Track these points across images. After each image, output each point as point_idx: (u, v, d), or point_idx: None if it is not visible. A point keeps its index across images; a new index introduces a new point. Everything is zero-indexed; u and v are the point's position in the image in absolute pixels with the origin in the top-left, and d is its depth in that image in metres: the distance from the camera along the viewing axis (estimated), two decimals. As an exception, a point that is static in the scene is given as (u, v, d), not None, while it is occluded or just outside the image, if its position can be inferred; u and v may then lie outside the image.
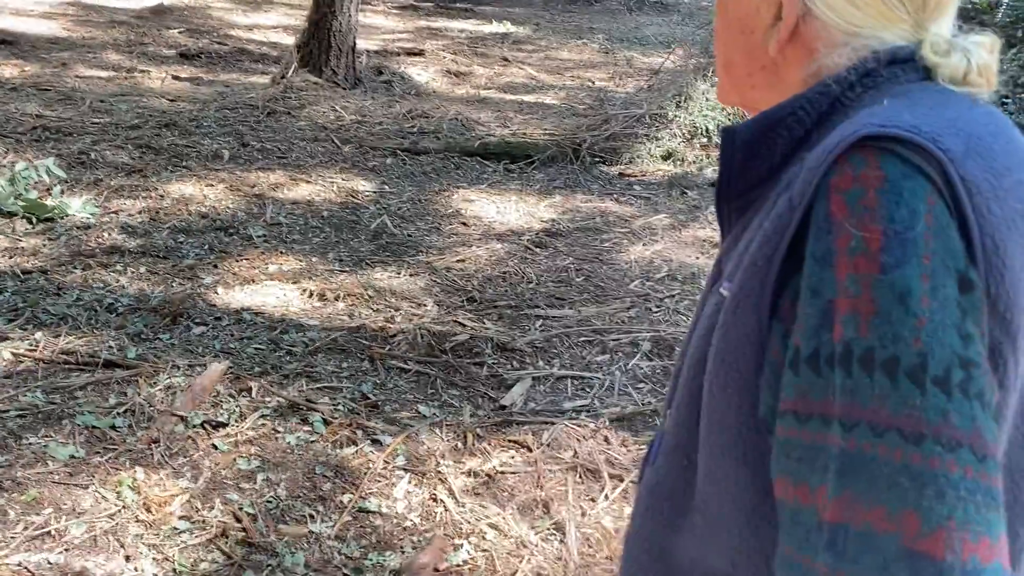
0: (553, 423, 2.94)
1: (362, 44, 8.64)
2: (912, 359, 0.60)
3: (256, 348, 3.28)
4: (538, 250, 4.53)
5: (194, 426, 2.74)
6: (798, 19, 0.77)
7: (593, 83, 9.16)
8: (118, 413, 2.76)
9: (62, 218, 4.29)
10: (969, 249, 0.63)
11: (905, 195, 0.63)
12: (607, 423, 2.96)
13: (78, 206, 4.40)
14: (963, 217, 0.64)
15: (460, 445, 2.80)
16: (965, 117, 0.70)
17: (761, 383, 0.70)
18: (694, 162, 6.05)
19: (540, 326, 3.65)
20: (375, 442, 2.78)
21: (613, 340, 3.54)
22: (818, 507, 0.62)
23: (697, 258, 4.53)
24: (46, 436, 2.63)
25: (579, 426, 2.93)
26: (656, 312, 3.84)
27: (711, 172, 5.94)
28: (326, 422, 2.83)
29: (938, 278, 0.62)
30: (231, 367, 3.07)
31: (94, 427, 2.68)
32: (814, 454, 0.63)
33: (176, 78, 7.85)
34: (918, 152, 0.65)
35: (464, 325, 3.59)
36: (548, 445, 2.82)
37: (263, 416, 2.84)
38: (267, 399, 2.93)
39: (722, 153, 0.80)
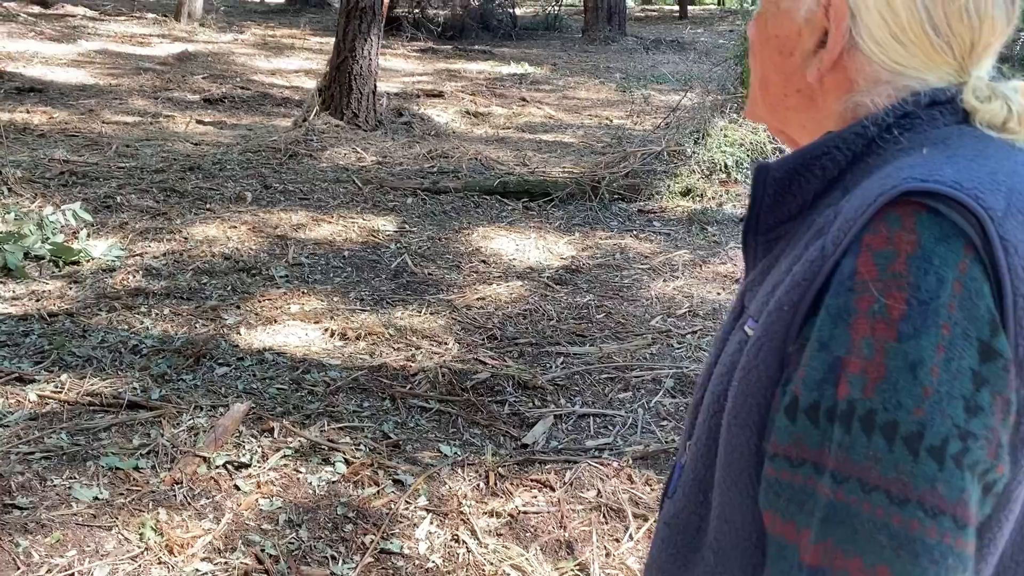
0: (576, 462, 2.91)
1: (382, 87, 8.77)
2: (911, 426, 0.61)
3: (278, 388, 3.29)
4: (558, 287, 4.53)
5: (216, 467, 2.74)
6: (842, 51, 0.76)
7: (611, 121, 9.22)
8: (141, 454, 2.77)
9: (88, 261, 4.35)
10: (1001, 312, 0.63)
11: (935, 263, 0.63)
12: (630, 461, 2.92)
13: (103, 249, 4.46)
14: (999, 278, 0.63)
15: (482, 485, 2.78)
16: (1006, 169, 0.69)
17: None
18: (713, 198, 6.05)
19: (561, 363, 3.64)
20: (397, 482, 2.76)
21: (635, 377, 3.52)
22: (800, 547, 0.65)
23: (718, 294, 4.51)
24: (70, 478, 2.64)
25: (602, 465, 2.90)
26: (678, 349, 3.82)
27: (731, 208, 5.93)
28: (347, 462, 2.83)
29: (955, 349, 0.62)
30: (253, 407, 3.08)
31: (118, 468, 2.69)
32: (803, 497, 0.65)
33: (200, 122, 7.99)
34: (958, 210, 0.64)
35: (485, 363, 3.58)
36: (571, 484, 2.79)
37: (285, 457, 2.83)
38: (289, 439, 2.93)
39: (754, 189, 0.80)
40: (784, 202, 0.78)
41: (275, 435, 2.94)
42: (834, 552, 0.62)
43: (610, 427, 3.19)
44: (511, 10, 17.88)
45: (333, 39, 8.40)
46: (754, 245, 0.83)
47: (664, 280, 4.69)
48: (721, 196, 6.07)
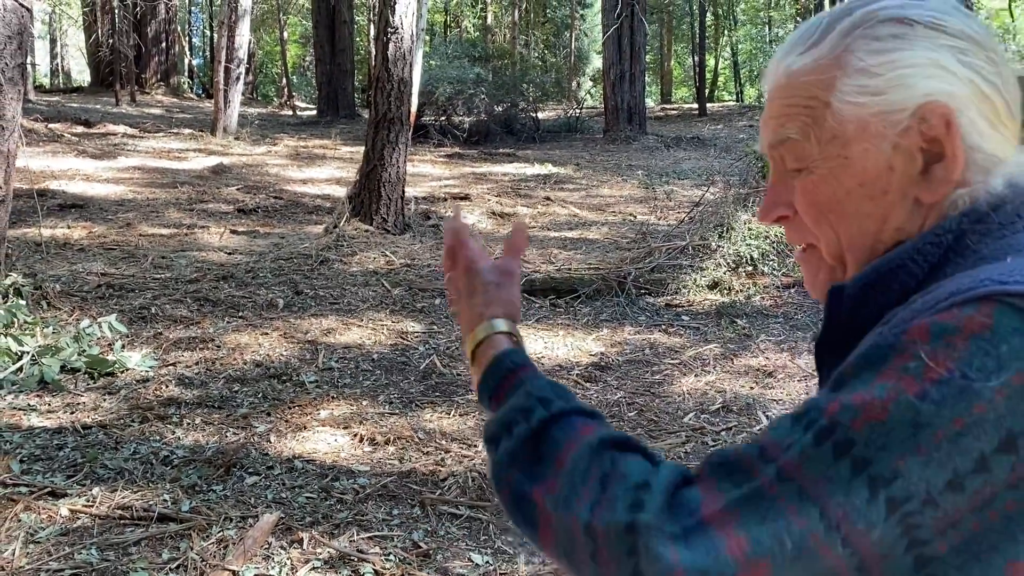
0: (611, 568, 2.82)
1: (410, 191, 8.98)
2: (882, 470, 0.60)
3: (307, 497, 3.26)
4: (588, 384, 4.49)
5: (245, 581, 2.69)
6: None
7: (635, 217, 9.33)
8: (171, 569, 2.73)
9: (122, 372, 4.41)
10: None
11: (1002, 350, 0.60)
12: (668, 566, 2.83)
13: (137, 360, 4.52)
14: None
15: (516, 594, 2.70)
16: None
17: None
18: (741, 290, 6.04)
19: (593, 464, 3.57)
20: (428, 593, 2.69)
21: (669, 477, 3.44)
22: (705, 500, 0.64)
23: (751, 388, 4.44)
24: (98, 595, 2.61)
25: (639, 570, 2.81)
26: (713, 446, 3.74)
27: (759, 300, 5.91)
28: (377, 574, 2.77)
29: (977, 429, 0.59)
30: (283, 517, 3.05)
31: (146, 584, 2.66)
32: (739, 471, 0.65)
33: (234, 232, 8.20)
34: None
35: (516, 466, 3.53)
36: (607, 592, 2.70)
37: (314, 569, 2.78)
38: (318, 550, 2.88)
39: (829, 309, 0.77)
40: (859, 316, 0.75)
41: (304, 546, 2.90)
42: (729, 521, 0.62)
43: (646, 530, 3.10)
44: (534, 114, 18.40)
45: (363, 148, 8.68)
46: (827, 361, 0.79)
47: (695, 375, 4.64)
48: (749, 289, 6.06)
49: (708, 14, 27.90)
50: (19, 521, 2.98)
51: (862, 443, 0.60)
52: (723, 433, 3.87)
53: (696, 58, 25.12)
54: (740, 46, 31.20)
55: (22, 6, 4.81)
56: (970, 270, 0.68)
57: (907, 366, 0.61)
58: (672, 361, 4.87)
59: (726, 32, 31.81)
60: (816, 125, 0.76)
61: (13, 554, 2.78)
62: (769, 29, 30.54)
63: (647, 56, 20.83)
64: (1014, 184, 0.74)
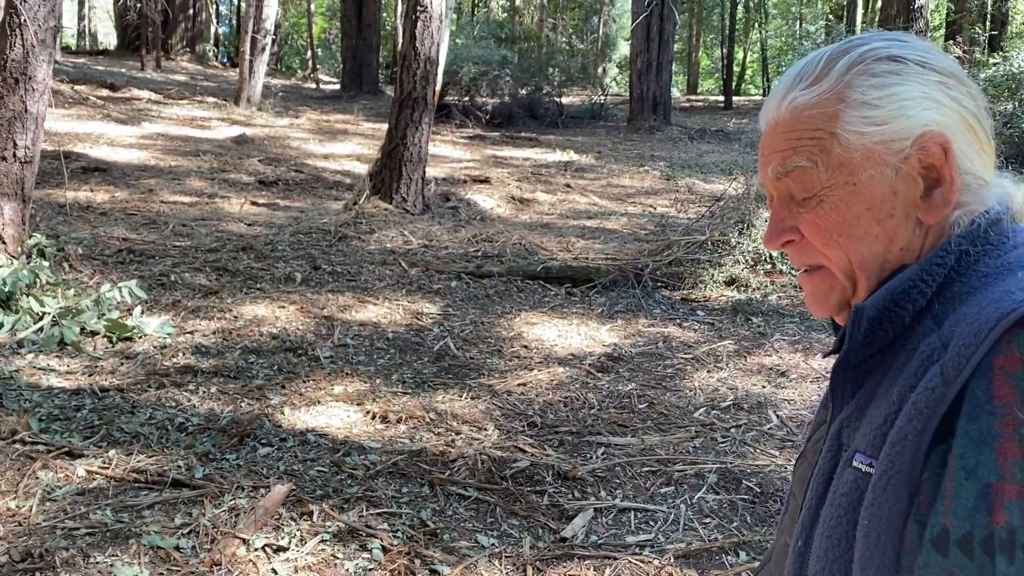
0: (616, 558, 2.85)
1: (431, 172, 8.99)
2: None
3: (319, 470, 3.30)
4: (600, 375, 4.51)
5: (255, 549, 2.74)
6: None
7: (655, 209, 9.31)
8: (183, 534, 2.78)
9: (140, 338, 4.47)
10: None
11: None
12: (672, 560, 2.86)
13: (156, 326, 4.57)
14: None
15: (520, 578, 2.73)
16: None
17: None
18: (758, 288, 6.03)
19: (602, 454, 3.60)
20: (433, 572, 2.73)
21: (678, 471, 3.47)
22: None
23: (763, 387, 4.45)
24: (113, 555, 2.66)
25: (643, 562, 2.84)
26: (722, 443, 3.76)
27: (775, 299, 5.90)
28: (385, 550, 2.81)
29: None
30: (294, 489, 3.09)
31: (159, 547, 2.71)
32: None
33: (254, 204, 8.24)
34: None
35: (525, 451, 3.56)
36: (610, 581, 2.73)
37: (323, 541, 2.82)
38: (327, 523, 2.92)
39: (851, 329, 0.81)
40: (875, 337, 0.80)
41: (314, 519, 2.94)
42: None
43: (651, 523, 3.13)
44: (557, 99, 18.33)
45: (386, 125, 8.69)
46: (842, 382, 0.83)
47: (708, 371, 4.65)
48: (766, 287, 6.05)
49: (739, 7, 27.65)
50: (37, 479, 3.04)
51: None
52: (733, 430, 3.88)
53: (725, 50, 24.92)
54: (770, 41, 30.89)
55: (57, -31, 4.84)
56: (981, 288, 0.74)
57: (1019, 432, 0.64)
58: (685, 355, 4.88)
59: (756, 25, 31.51)
60: (824, 154, 0.81)
61: (31, 510, 2.84)
62: (800, 25, 30.23)
63: (675, 46, 20.68)
64: (1003, 204, 0.80)
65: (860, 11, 18.23)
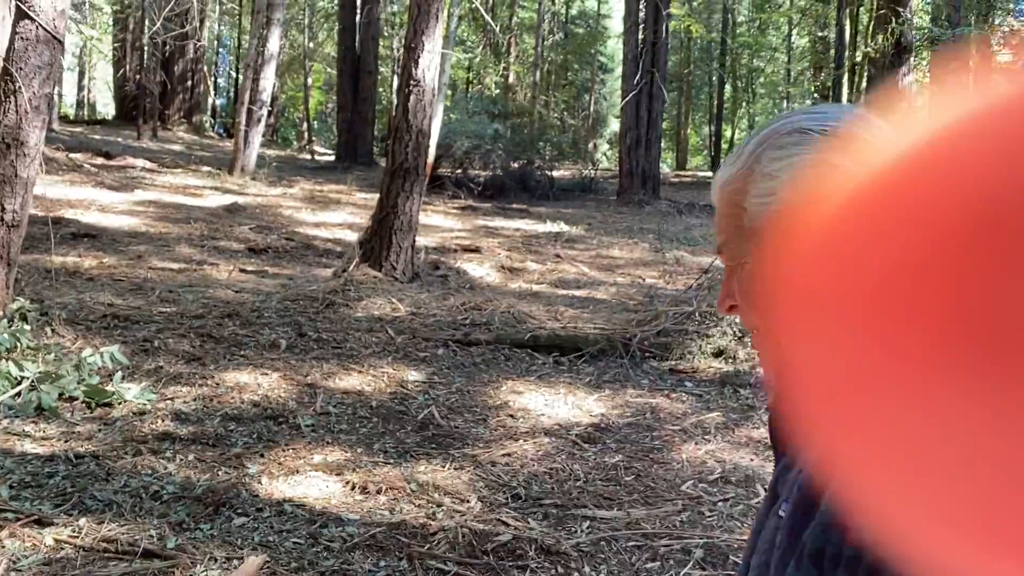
0: (599, 635, 2.76)
1: (421, 241, 9.03)
2: None
3: (295, 542, 3.21)
4: (587, 446, 4.44)
5: (224, 625, 2.64)
6: None
7: (643, 280, 9.34)
8: (149, 608, 2.68)
9: (120, 403, 4.39)
10: None
11: None
12: (657, 638, 2.76)
13: (136, 392, 4.51)
14: None
15: (499, 657, 2.63)
16: None
17: None
18: (746, 360, 6.00)
19: (588, 528, 3.52)
20: (410, 650, 2.63)
21: (664, 546, 3.38)
22: None
23: (752, 460, 4.39)
24: (74, 630, 2.55)
25: (627, 640, 2.74)
26: (710, 517, 3.68)
27: (762, 371, 5.87)
28: (360, 625, 2.71)
29: None
30: (268, 562, 3.00)
31: (123, 622, 2.60)
32: None
33: (243, 271, 8.24)
34: None
35: (507, 524, 3.48)
36: (593, 660, 2.63)
37: (296, 616, 2.72)
38: (301, 598, 2.82)
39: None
40: None
41: (288, 592, 2.84)
42: None
43: (636, 598, 3.03)
44: (549, 172, 18.60)
45: (378, 195, 8.76)
46: (778, 435, 0.86)
47: (695, 443, 4.59)
48: (754, 359, 6.03)
49: (727, 86, 28.33)
50: (3, 547, 2.94)
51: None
52: (720, 504, 3.81)
53: (713, 127, 25.45)
54: (757, 118, 31.59)
55: (55, 38, 4.92)
56: None
57: None
58: (673, 427, 4.82)
59: (744, 104, 32.27)
60: (738, 227, 0.86)
61: (-8, 582, 2.74)
62: (787, 103, 30.97)
63: (664, 123, 21.10)
64: None
65: (845, 90, 18.69)
